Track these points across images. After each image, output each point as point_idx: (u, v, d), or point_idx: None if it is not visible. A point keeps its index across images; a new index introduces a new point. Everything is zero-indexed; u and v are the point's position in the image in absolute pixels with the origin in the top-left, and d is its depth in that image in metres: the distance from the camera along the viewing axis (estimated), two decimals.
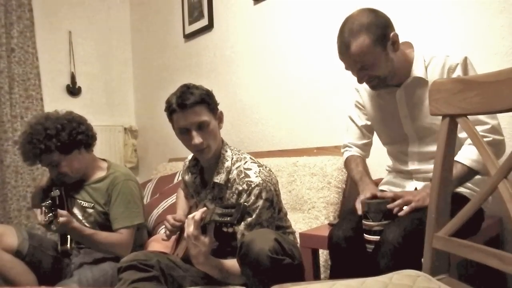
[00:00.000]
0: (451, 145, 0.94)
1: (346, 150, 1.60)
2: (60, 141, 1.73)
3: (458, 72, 1.27)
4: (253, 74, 2.54)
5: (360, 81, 1.34)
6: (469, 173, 1.23)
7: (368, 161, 1.58)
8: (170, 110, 1.38)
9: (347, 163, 1.57)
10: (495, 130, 1.24)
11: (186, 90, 1.37)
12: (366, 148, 1.58)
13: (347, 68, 1.33)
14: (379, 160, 1.65)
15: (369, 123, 1.54)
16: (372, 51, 1.24)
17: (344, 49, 1.27)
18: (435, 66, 1.31)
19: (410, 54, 1.35)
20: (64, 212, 1.66)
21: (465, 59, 1.28)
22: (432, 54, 1.33)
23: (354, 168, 1.50)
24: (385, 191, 1.43)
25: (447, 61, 1.29)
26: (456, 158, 1.24)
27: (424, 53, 1.34)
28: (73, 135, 1.77)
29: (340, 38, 1.29)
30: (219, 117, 1.45)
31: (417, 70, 1.32)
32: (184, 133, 1.39)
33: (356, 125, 1.57)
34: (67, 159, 1.77)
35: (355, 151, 1.57)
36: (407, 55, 1.34)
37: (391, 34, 1.26)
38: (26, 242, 1.75)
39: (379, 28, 1.24)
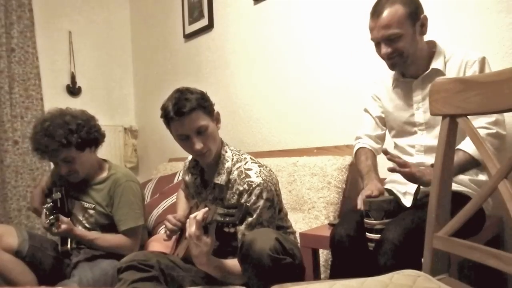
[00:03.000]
0: (451, 145, 0.94)
1: (358, 142, 1.60)
2: (80, 137, 1.74)
3: (474, 68, 1.31)
4: (253, 74, 2.54)
5: (382, 53, 1.36)
6: (470, 162, 1.24)
7: None
8: (167, 119, 1.36)
9: (357, 154, 1.57)
10: (499, 123, 1.26)
11: (181, 96, 1.35)
12: (379, 141, 1.58)
13: (373, 38, 1.36)
14: (383, 162, 1.65)
15: (383, 115, 1.56)
16: (403, 21, 1.29)
17: (377, 15, 1.32)
18: (454, 62, 1.35)
19: (433, 49, 1.40)
20: (65, 219, 1.67)
21: (484, 58, 1.32)
22: (453, 51, 1.38)
23: (363, 161, 1.50)
24: (390, 190, 1.43)
25: (465, 57, 1.33)
26: (458, 146, 1.25)
27: (446, 50, 1.39)
28: (91, 132, 1.79)
29: (375, 6, 1.34)
30: (216, 118, 1.44)
31: (437, 64, 1.37)
32: (183, 139, 1.38)
33: (371, 115, 1.58)
34: (81, 156, 1.77)
35: (367, 144, 1.57)
36: (430, 49, 1.39)
37: (422, 16, 1.33)
38: (26, 242, 1.75)
39: (413, 4, 1.31)
